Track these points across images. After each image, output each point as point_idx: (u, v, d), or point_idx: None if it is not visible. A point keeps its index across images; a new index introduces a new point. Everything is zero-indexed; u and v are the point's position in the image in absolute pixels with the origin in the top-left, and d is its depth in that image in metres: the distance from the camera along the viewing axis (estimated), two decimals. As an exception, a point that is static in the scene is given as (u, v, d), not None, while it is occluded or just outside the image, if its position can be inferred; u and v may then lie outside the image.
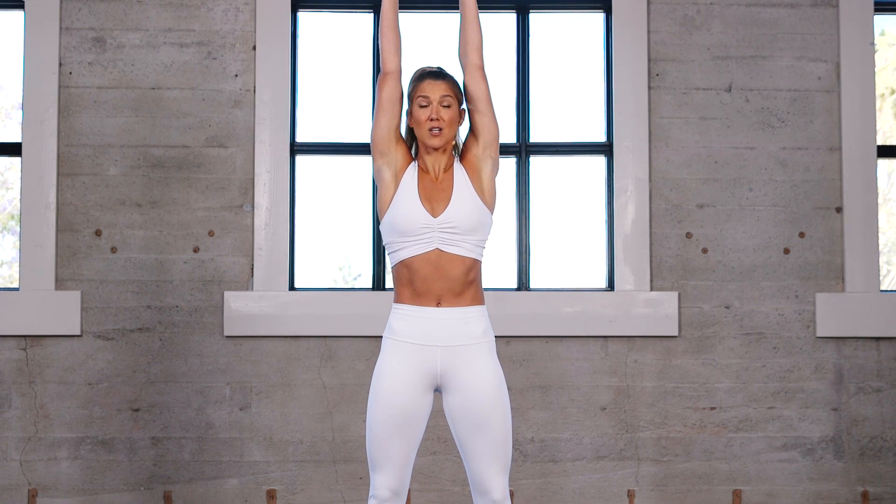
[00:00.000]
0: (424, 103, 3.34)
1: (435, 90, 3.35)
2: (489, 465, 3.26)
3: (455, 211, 3.31)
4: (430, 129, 3.33)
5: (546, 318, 5.00)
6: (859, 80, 5.09)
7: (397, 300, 3.36)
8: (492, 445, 3.26)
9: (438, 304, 3.30)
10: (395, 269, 3.37)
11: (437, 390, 3.34)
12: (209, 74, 5.06)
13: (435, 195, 3.34)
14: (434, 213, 3.31)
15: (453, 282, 3.30)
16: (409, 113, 3.39)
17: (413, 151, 3.45)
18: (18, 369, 4.94)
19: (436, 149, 3.35)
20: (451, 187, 3.35)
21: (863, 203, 5.06)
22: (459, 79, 3.43)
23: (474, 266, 3.34)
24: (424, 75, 3.40)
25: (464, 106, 3.42)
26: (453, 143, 3.41)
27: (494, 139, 3.39)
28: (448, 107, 3.34)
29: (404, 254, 3.32)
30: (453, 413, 3.29)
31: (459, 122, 3.41)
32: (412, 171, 3.37)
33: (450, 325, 3.30)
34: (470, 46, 3.41)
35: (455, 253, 3.31)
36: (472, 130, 3.42)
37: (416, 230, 3.30)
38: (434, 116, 3.32)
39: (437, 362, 3.29)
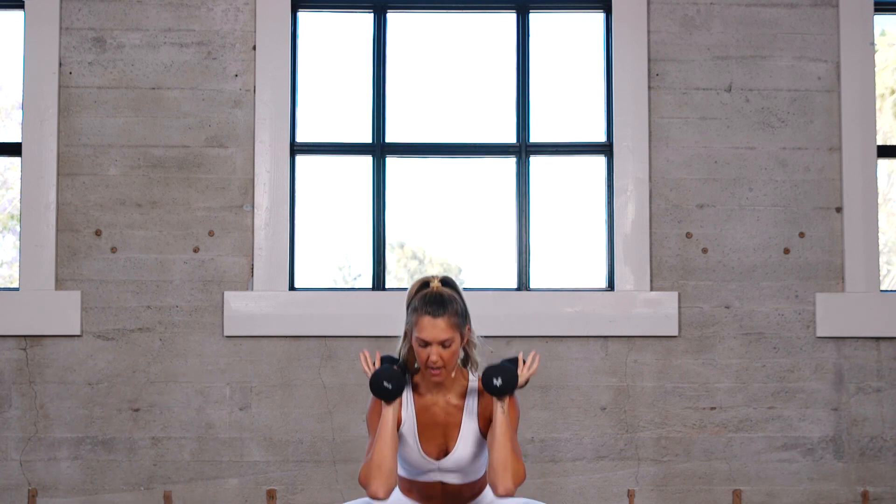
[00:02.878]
0: (423, 344, 3.22)
1: (434, 333, 3.20)
2: None
3: (458, 458, 3.30)
4: (430, 370, 3.24)
5: (546, 318, 5.00)
6: (859, 80, 5.09)
7: (401, 489, 3.41)
8: None
9: None
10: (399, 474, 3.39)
11: None
12: (209, 74, 5.06)
13: (438, 430, 3.30)
14: (437, 457, 3.31)
15: (459, 498, 3.36)
16: (409, 337, 3.30)
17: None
18: (18, 369, 4.93)
19: (438, 384, 3.30)
20: (457, 426, 3.30)
21: (863, 203, 5.06)
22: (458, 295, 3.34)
23: (478, 482, 3.38)
24: (423, 306, 3.23)
25: (468, 327, 3.31)
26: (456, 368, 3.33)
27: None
28: (448, 346, 3.22)
29: (408, 475, 3.37)
30: None
31: (462, 344, 3.30)
32: (407, 405, 3.32)
33: None
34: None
35: (459, 483, 3.34)
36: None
37: (418, 468, 3.33)
38: (434, 359, 3.21)
39: None
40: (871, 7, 5.12)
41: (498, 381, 3.20)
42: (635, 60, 5.10)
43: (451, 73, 5.32)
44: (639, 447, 4.99)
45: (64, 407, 4.93)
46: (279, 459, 4.94)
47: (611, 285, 5.10)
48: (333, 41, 5.27)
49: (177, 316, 4.97)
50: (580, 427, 4.99)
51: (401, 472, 3.39)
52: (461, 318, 3.25)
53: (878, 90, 5.34)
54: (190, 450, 4.93)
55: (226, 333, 4.96)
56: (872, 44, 5.12)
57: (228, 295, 4.97)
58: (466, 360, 3.37)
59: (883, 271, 5.36)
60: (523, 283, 5.11)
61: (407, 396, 3.32)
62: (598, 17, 5.25)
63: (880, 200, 5.34)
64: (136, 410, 4.94)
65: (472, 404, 3.30)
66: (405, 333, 3.32)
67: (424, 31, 5.30)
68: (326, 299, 5.01)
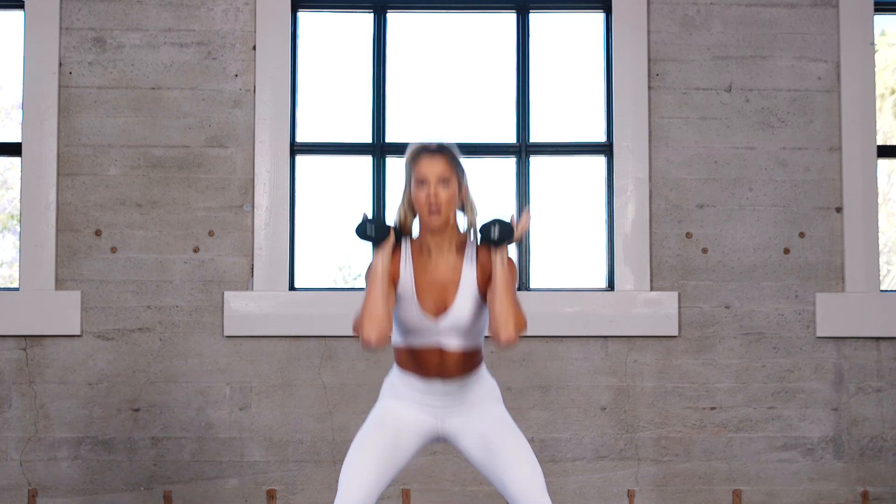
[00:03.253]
0: (422, 181, 3.25)
1: (432, 169, 3.24)
2: (524, 478, 3.24)
3: (457, 316, 3.29)
4: (429, 211, 3.25)
5: (546, 318, 5.00)
6: (859, 80, 5.09)
7: (399, 364, 3.40)
8: (519, 462, 3.25)
9: (441, 379, 3.35)
10: (395, 344, 3.38)
11: (440, 439, 3.41)
12: (209, 74, 5.06)
13: (437, 287, 3.30)
14: (436, 314, 3.29)
15: (455, 365, 3.34)
16: (407, 191, 3.31)
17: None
18: (18, 369, 4.94)
19: (436, 229, 3.29)
20: (456, 283, 3.30)
21: (863, 203, 5.06)
22: (458, 153, 3.36)
23: (476, 351, 3.37)
24: (421, 152, 3.28)
25: (465, 181, 3.33)
26: (454, 220, 3.32)
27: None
28: (446, 185, 3.25)
29: (406, 341, 3.35)
30: (471, 451, 3.34)
31: (460, 200, 3.32)
32: (406, 260, 3.32)
33: (453, 393, 3.35)
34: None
35: (457, 349, 3.32)
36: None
37: (416, 330, 3.31)
38: (433, 198, 3.23)
39: (438, 419, 3.37)
40: (871, 7, 5.12)
41: (495, 231, 3.25)
42: (635, 60, 5.10)
43: (451, 73, 5.32)
44: (639, 447, 4.99)
45: (64, 407, 4.93)
46: (279, 459, 4.94)
47: (611, 285, 5.10)
48: (333, 41, 5.27)
49: (177, 316, 4.97)
50: (580, 427, 4.99)
51: (398, 339, 3.36)
52: (459, 166, 3.30)
53: (878, 90, 5.35)
54: (190, 450, 4.93)
55: (226, 333, 4.96)
56: (872, 44, 5.12)
57: (228, 295, 4.97)
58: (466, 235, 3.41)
59: (883, 271, 5.36)
60: (523, 283, 5.11)
61: (405, 254, 3.33)
62: (598, 17, 5.25)
63: (880, 200, 5.34)
64: (136, 410, 4.94)
65: (470, 254, 3.32)
66: (402, 195, 3.35)
67: (424, 31, 5.30)
68: (326, 299, 5.01)
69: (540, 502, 3.22)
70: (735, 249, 5.07)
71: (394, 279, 3.29)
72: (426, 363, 3.33)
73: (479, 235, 3.29)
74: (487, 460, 3.30)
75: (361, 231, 3.27)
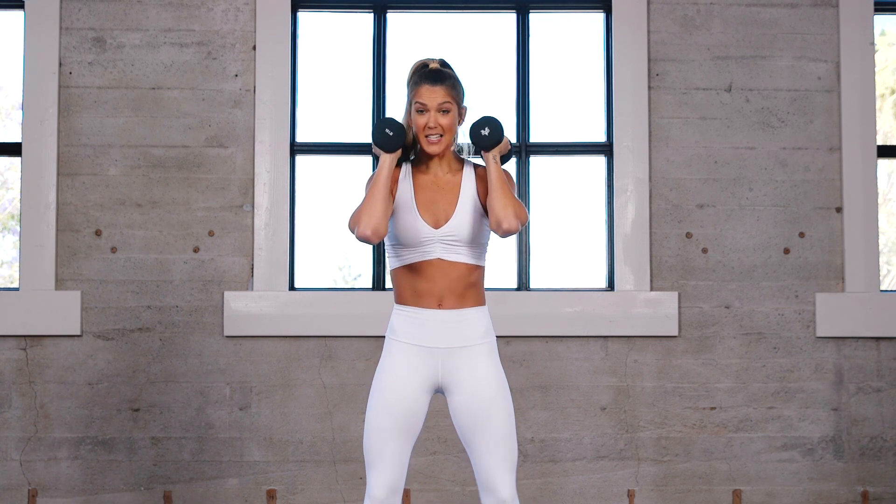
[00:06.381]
0: (422, 109, 3.33)
1: (432, 97, 3.32)
2: (494, 462, 3.28)
3: (457, 224, 3.32)
4: (428, 137, 3.33)
5: (546, 318, 5.00)
6: (859, 80, 5.09)
7: (399, 301, 3.38)
8: (496, 443, 3.28)
9: (440, 306, 3.32)
10: (395, 271, 3.38)
11: (439, 391, 3.36)
12: (209, 74, 5.06)
13: (437, 201, 3.35)
14: (436, 225, 3.32)
15: (455, 282, 3.32)
16: (408, 112, 3.38)
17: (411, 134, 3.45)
18: (18, 369, 4.94)
19: (435, 153, 3.36)
20: (456, 197, 3.36)
21: (863, 203, 5.06)
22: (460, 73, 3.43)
23: (476, 270, 3.36)
24: (422, 78, 3.34)
25: (465, 104, 3.41)
26: (452, 144, 3.41)
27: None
28: (446, 112, 3.33)
29: (406, 260, 3.35)
30: (457, 413, 3.32)
31: (460, 122, 3.41)
32: (406, 177, 3.38)
33: (451, 327, 3.32)
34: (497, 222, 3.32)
35: (456, 260, 3.33)
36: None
37: (417, 242, 3.32)
38: (432, 125, 3.32)
39: (438, 364, 3.32)
40: (871, 7, 5.12)
41: (485, 131, 3.34)
42: (635, 60, 5.10)
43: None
44: (639, 447, 4.99)
45: (64, 407, 4.93)
46: (279, 459, 4.94)
47: (611, 285, 5.10)
48: (333, 41, 5.27)
49: (177, 316, 4.97)
50: (580, 427, 4.99)
51: (397, 262, 3.36)
52: (458, 92, 3.37)
53: (878, 90, 5.34)
54: (190, 450, 4.93)
55: (226, 333, 4.96)
56: (872, 44, 5.13)
57: (228, 295, 4.97)
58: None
59: (883, 271, 5.36)
60: (523, 283, 5.11)
61: (406, 172, 3.38)
62: (598, 17, 5.26)
63: (880, 200, 5.34)
64: (136, 410, 4.95)
65: (469, 171, 3.40)
66: (404, 115, 3.40)
67: (424, 31, 5.30)
68: (326, 299, 5.01)
69: (501, 487, 3.26)
70: (735, 249, 5.07)
71: (393, 193, 3.34)
72: (426, 281, 3.31)
73: (470, 135, 3.36)
74: (468, 428, 3.30)
75: (380, 131, 3.30)
